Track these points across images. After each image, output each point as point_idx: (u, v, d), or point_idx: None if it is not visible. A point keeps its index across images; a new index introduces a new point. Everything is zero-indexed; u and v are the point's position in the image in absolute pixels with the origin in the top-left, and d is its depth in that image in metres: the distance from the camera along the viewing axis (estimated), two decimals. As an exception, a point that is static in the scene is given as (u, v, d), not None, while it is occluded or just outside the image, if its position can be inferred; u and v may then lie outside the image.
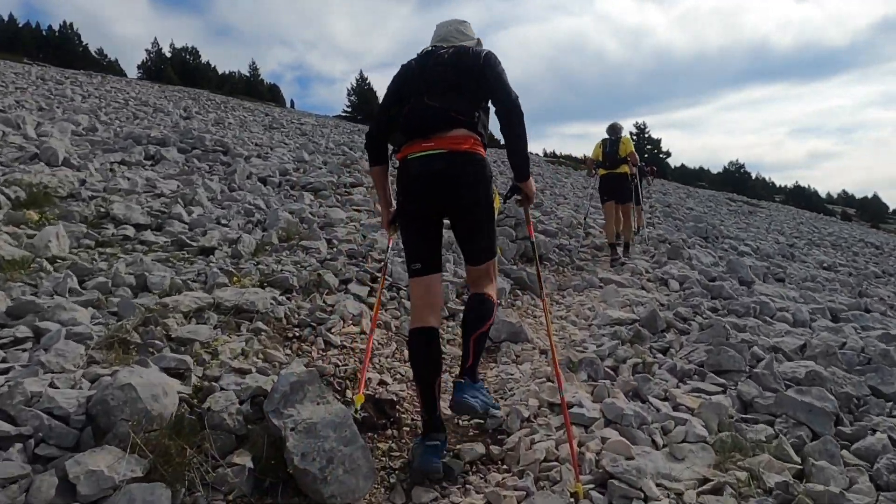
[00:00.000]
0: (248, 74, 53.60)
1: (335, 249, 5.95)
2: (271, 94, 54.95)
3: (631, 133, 54.16)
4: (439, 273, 2.84)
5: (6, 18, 54.02)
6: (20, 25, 54.02)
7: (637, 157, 9.38)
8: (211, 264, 4.56)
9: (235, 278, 4.17)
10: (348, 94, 49.93)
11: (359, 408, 2.76)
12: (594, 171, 9.83)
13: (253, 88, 51.17)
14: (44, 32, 53.22)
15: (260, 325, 3.63)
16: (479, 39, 3.08)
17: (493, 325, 3.08)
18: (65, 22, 49.97)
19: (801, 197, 61.14)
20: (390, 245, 3.52)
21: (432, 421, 2.62)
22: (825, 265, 15.99)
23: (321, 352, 3.68)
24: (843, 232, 27.31)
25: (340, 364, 3.56)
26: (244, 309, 3.71)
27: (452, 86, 2.69)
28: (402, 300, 5.06)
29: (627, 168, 9.16)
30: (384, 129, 2.90)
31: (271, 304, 3.91)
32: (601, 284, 7.66)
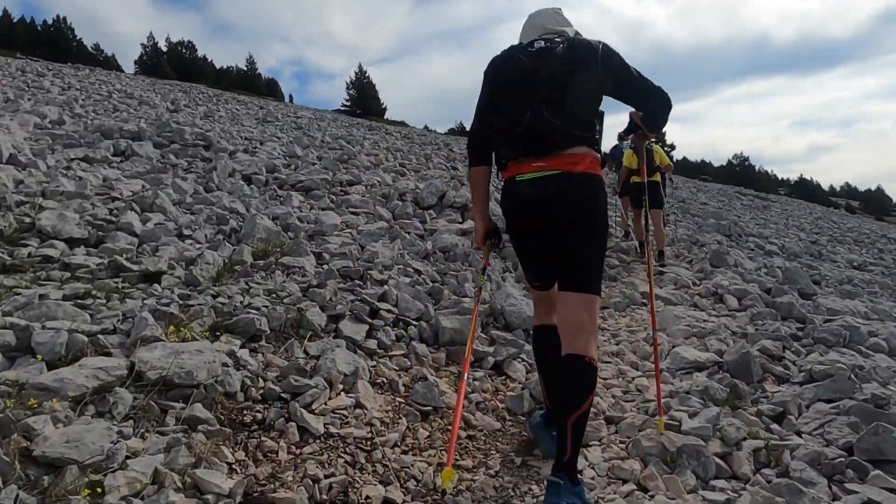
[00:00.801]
0: (244, 69, 52.04)
1: (325, 268, 4.63)
2: (269, 89, 53.45)
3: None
4: (554, 284, 2.61)
5: (0, 14, 52.51)
6: (14, 21, 52.49)
7: (672, 167, 9.25)
8: (146, 301, 3.22)
9: (174, 325, 2.84)
10: (347, 88, 48.53)
11: (448, 487, 2.26)
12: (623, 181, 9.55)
13: (250, 83, 49.64)
14: (39, 28, 51.72)
15: (198, 409, 2.32)
16: (576, 31, 2.63)
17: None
18: (58, 16, 48.43)
19: (806, 190, 59.76)
20: (486, 268, 3.00)
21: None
22: (855, 264, 14.85)
23: (294, 450, 2.37)
24: (862, 227, 25.99)
25: (323, 472, 2.25)
26: (176, 383, 2.40)
27: (573, 93, 2.33)
28: (412, 341, 3.75)
29: (660, 177, 8.70)
30: (488, 131, 2.55)
31: (222, 368, 2.60)
32: (644, 300, 6.38)
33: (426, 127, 54.43)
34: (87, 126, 9.88)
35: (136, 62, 51.47)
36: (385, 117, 50.48)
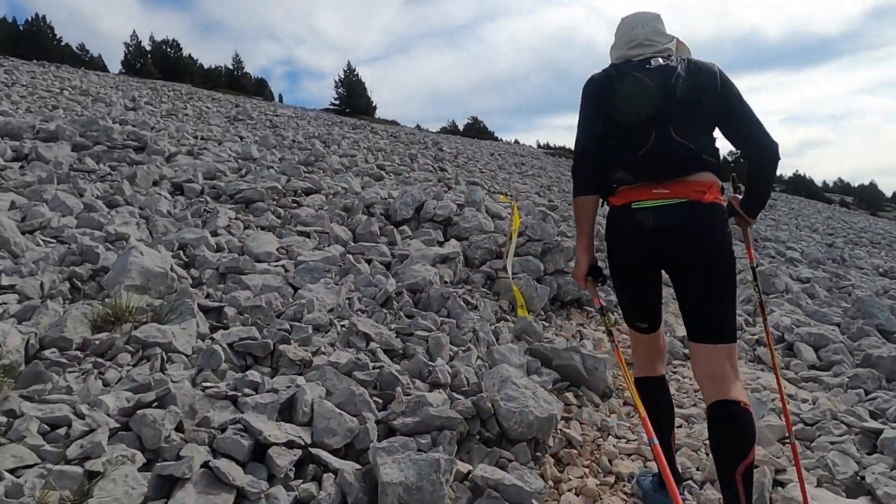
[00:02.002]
0: (231, 67, 49.89)
1: (209, 343, 2.85)
2: (257, 88, 51.36)
3: None
4: (662, 328, 2.40)
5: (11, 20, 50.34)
6: (-5, 20, 50.30)
7: None
8: None
9: None
10: (336, 87, 46.28)
11: None
12: None
13: (236, 82, 47.47)
14: (21, 27, 49.53)
15: None
16: (676, 39, 2.34)
17: None
18: (36, 14, 45.97)
19: (800, 186, 58.17)
20: (603, 308, 2.51)
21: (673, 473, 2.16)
22: (881, 270, 13.28)
23: None
24: (875, 227, 24.38)
25: None
26: None
27: (698, 116, 2.13)
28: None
29: None
30: (598, 154, 2.21)
31: None
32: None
33: (418, 126, 52.45)
34: (-7, 124, 8.02)
35: (122, 62, 49.38)
36: (376, 116, 48.52)
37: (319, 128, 18.56)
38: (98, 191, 6.05)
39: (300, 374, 2.79)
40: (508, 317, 4.52)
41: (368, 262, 5.02)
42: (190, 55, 49.83)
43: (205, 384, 2.46)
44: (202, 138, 11.23)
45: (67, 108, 12.22)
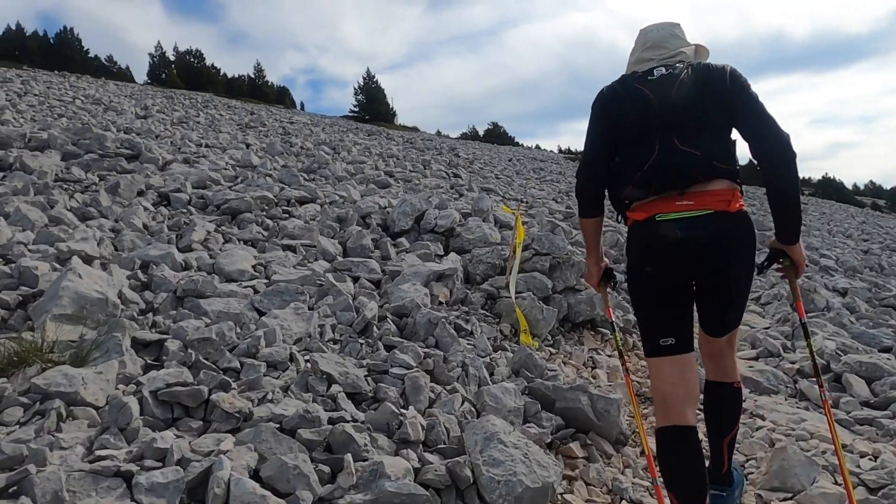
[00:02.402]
0: (252, 76, 50.07)
1: (125, 393, 2.34)
2: (278, 97, 51.53)
3: None
4: (693, 352, 2.16)
5: (14, 27, 51.50)
6: (28, 34, 51.41)
7: None
8: None
9: None
10: (355, 94, 46.00)
11: None
12: None
13: (258, 90, 47.61)
14: (51, 40, 50.52)
15: None
16: (696, 45, 2.30)
17: None
18: (64, 27, 47.01)
19: (830, 189, 56.22)
20: (611, 316, 2.74)
21: None
22: (924, 279, 12.28)
23: None
24: (912, 231, 23.12)
25: None
26: None
27: (705, 122, 2.03)
28: None
29: None
30: (602, 174, 2.19)
31: None
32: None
33: (438, 132, 52.05)
34: (-18, 133, 7.70)
35: (147, 73, 50.02)
36: (397, 122, 48.24)
37: (333, 134, 18.18)
38: (77, 202, 5.64)
39: (234, 432, 2.25)
40: (508, 345, 3.93)
41: (355, 279, 4.49)
42: (213, 65, 50.25)
43: (101, 451, 1.93)
44: (206, 146, 10.86)
45: (74, 116, 11.99)
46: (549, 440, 2.75)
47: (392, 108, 47.72)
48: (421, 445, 2.40)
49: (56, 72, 24.45)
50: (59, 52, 42.34)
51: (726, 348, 2.33)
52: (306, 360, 2.91)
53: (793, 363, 4.31)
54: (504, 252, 5.19)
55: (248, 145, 11.82)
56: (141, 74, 51.81)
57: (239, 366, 2.77)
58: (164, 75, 46.81)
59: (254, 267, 4.35)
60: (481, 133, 57.18)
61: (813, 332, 4.84)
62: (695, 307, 2.20)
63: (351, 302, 3.73)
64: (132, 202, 5.91)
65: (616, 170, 2.15)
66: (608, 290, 2.63)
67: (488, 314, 4.32)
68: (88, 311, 3.00)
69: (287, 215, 6.07)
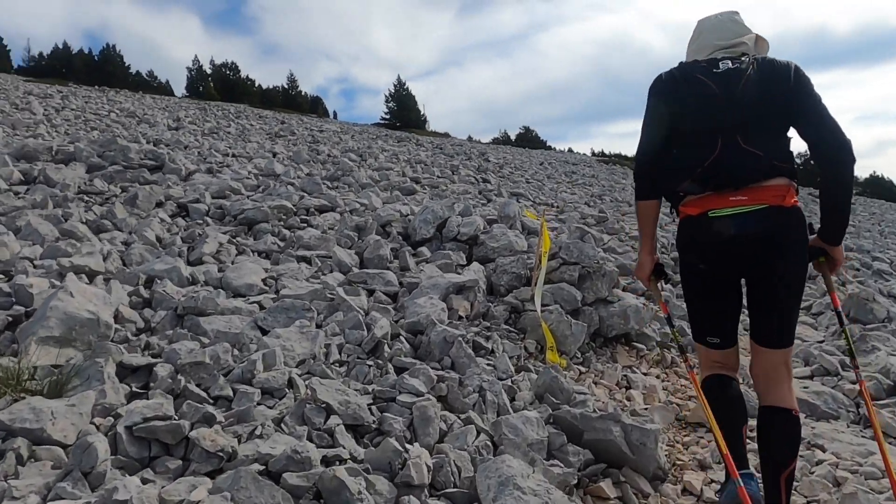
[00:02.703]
0: (286, 86, 50.77)
1: (96, 430, 2.10)
2: (312, 106, 52.11)
3: None
4: (737, 346, 2.27)
5: (61, 46, 53.55)
6: (73, 52, 53.36)
7: None
8: None
9: None
10: (386, 101, 46.16)
11: None
12: None
13: (292, 101, 48.20)
14: (95, 58, 52.29)
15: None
16: (756, 35, 2.19)
17: None
18: (107, 44, 48.61)
19: (880, 188, 53.75)
20: (665, 312, 2.49)
21: (741, 462, 2.05)
22: None
23: None
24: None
25: None
26: None
27: (768, 121, 2.00)
28: None
29: None
30: (661, 158, 2.15)
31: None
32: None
33: (469, 137, 51.76)
34: (10, 144, 7.75)
35: (185, 86, 51.27)
36: (428, 128, 48.21)
37: (361, 142, 18.08)
38: (94, 214, 5.53)
39: (215, 473, 1.99)
40: (532, 364, 3.59)
41: (370, 293, 4.22)
42: (248, 76, 51.16)
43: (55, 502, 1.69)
44: (233, 155, 10.83)
45: (106, 129, 12.14)
46: (575, 480, 2.41)
47: (423, 115, 47.73)
48: (426, 490, 2.09)
49: (96, 87, 25.12)
50: (103, 69, 43.70)
51: (782, 368, 2.13)
52: (307, 385, 2.64)
53: (854, 384, 3.85)
54: (531, 261, 4.86)
55: (274, 154, 11.76)
56: (180, 88, 53.11)
57: (231, 393, 2.52)
58: (201, 88, 47.87)
59: (263, 280, 4.12)
60: (513, 137, 56.74)
61: (875, 348, 4.36)
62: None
63: (362, 319, 3.45)
64: (149, 214, 5.79)
65: (673, 162, 2.11)
66: (659, 285, 2.50)
67: (512, 329, 3.99)
68: (78, 333, 2.80)
69: (305, 225, 5.86)
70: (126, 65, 48.34)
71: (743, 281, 2.21)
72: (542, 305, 4.11)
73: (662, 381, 4.13)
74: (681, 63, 2.20)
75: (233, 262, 4.50)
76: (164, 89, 50.71)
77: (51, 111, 14.00)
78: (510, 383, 3.12)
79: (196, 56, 52.59)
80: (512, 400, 2.96)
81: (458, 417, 2.65)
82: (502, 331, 3.88)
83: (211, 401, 2.46)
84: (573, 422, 2.74)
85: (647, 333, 4.58)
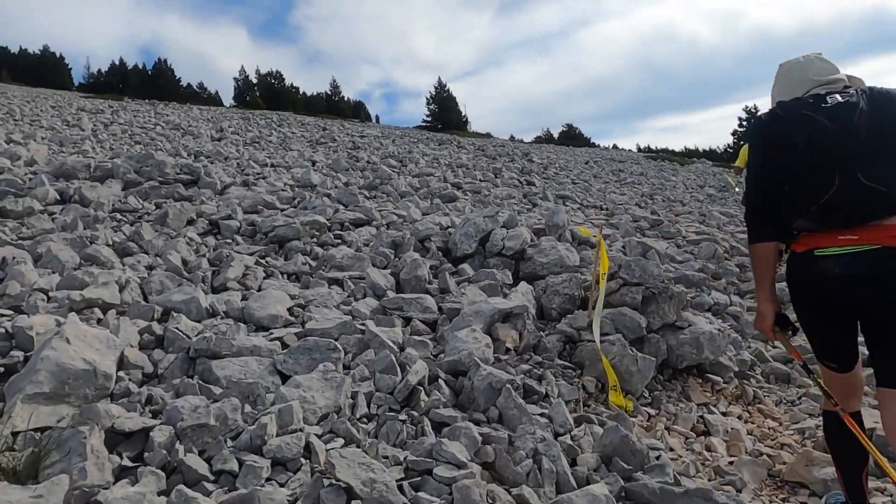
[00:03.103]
0: (328, 92, 51.20)
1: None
2: (354, 111, 52.43)
3: (741, 118, 45.57)
4: (858, 368, 2.15)
5: (117, 63, 55.70)
6: (129, 68, 55.40)
7: None
8: None
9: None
10: (427, 104, 45.75)
11: None
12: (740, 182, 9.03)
13: (335, 106, 48.57)
14: (149, 72, 54.12)
15: None
16: (847, 76, 2.13)
17: None
18: (158, 59, 50.43)
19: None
20: (800, 360, 2.32)
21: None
22: None
23: None
24: None
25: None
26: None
27: (890, 152, 1.88)
28: None
29: None
30: (775, 198, 2.04)
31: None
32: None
33: (511, 137, 51.00)
34: (51, 163, 7.68)
35: (233, 97, 52.44)
36: (469, 129, 47.71)
37: (402, 146, 17.75)
38: (124, 234, 5.30)
39: None
40: (594, 411, 3.05)
41: (407, 321, 3.77)
42: (292, 84, 51.90)
43: None
44: (272, 165, 10.62)
45: (150, 143, 12.15)
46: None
47: (464, 116, 47.27)
48: None
49: (147, 101, 25.71)
50: (156, 83, 45.12)
51: None
52: (327, 452, 2.20)
53: None
54: (585, 278, 4.31)
55: (314, 163, 11.51)
56: (228, 98, 54.34)
57: (237, 466, 2.10)
58: (248, 98, 48.81)
59: (290, 310, 3.73)
60: (556, 135, 55.66)
61: None
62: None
63: (395, 359, 2.99)
64: (179, 232, 5.51)
65: (786, 200, 2.00)
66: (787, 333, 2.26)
67: (567, 364, 3.46)
68: (71, 387, 2.44)
69: (339, 241, 5.47)
70: (177, 78, 49.71)
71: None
72: (602, 334, 3.57)
73: (745, 421, 3.52)
74: (780, 102, 2.12)
75: (259, 289, 4.14)
76: (214, 100, 52.00)
77: (99, 126, 14.20)
78: (569, 440, 2.60)
79: (242, 66, 53.55)
80: (573, 464, 2.44)
81: (510, 494, 2.15)
82: (556, 367, 3.35)
83: (211, 476, 2.05)
84: (652, 499, 2.20)
85: (723, 363, 3.96)
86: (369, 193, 8.11)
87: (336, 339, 3.21)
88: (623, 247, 6.04)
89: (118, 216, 6.10)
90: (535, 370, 3.23)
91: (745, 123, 44.58)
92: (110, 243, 4.92)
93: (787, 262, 2.15)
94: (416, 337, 3.49)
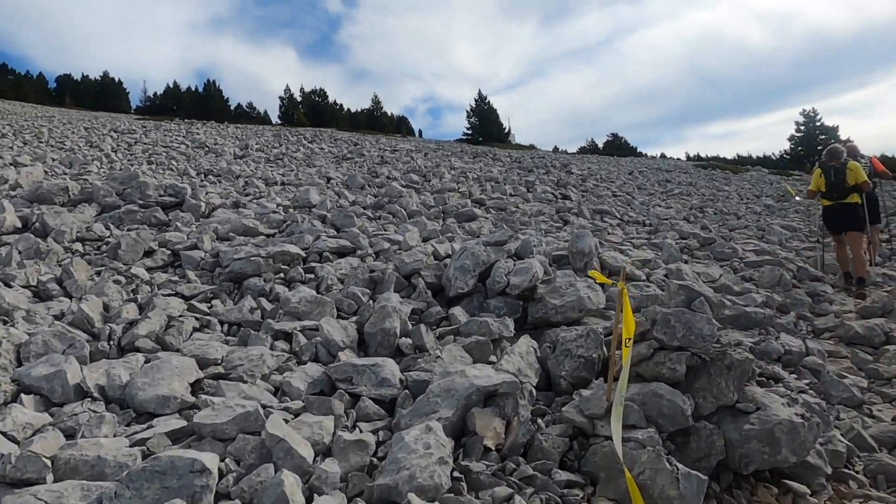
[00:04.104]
0: (370, 108, 51.02)
1: None
2: (397, 126, 52.10)
3: (798, 123, 42.18)
4: None
5: (171, 85, 57.38)
6: (182, 90, 56.96)
7: (871, 184, 7.02)
8: None
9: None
10: (468, 117, 44.81)
11: None
12: (815, 203, 8.19)
13: (376, 121, 48.36)
14: (200, 93, 55.50)
15: None
16: None
17: None
18: (208, 80, 51.55)
19: None
20: None
21: None
22: None
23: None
24: None
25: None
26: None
27: None
28: None
29: (858, 198, 6.75)
30: None
31: None
32: None
33: (555, 148, 49.51)
34: (31, 187, 7.02)
35: (279, 115, 53.12)
36: (513, 141, 46.48)
37: (432, 160, 16.77)
38: (52, 274, 4.43)
39: None
40: None
41: (355, 399, 2.70)
42: (335, 101, 52.04)
43: None
44: (283, 184, 9.80)
45: (163, 162, 11.57)
46: None
47: (506, 128, 46.11)
48: None
49: (185, 120, 25.77)
50: (205, 104, 46.01)
51: None
52: None
53: None
54: (610, 331, 3.13)
55: (328, 179, 10.65)
56: (276, 117, 55.14)
57: None
58: (295, 116, 49.26)
59: (194, 385, 2.71)
60: (601, 145, 53.77)
61: None
62: None
63: (294, 485, 1.92)
64: (136, 263, 4.64)
65: None
66: None
67: (573, 479, 2.29)
68: None
69: (311, 275, 4.46)
70: (225, 98, 50.65)
71: None
72: (626, 427, 2.39)
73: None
74: None
75: (181, 344, 3.15)
76: (262, 119, 52.77)
77: (122, 146, 13.83)
78: None
79: (287, 85, 54.32)
80: None
81: None
82: (554, 489, 2.19)
83: None
84: None
85: (809, 462, 2.69)
86: (374, 213, 7.12)
87: (228, 442, 2.17)
88: (663, 284, 4.78)
89: (76, 246, 5.31)
90: (521, 492, 2.09)
91: (802, 128, 41.56)
92: (33, 283, 4.06)
93: None
94: (364, 415, 2.41)
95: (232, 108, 51.65)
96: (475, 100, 45.43)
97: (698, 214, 12.45)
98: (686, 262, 6.25)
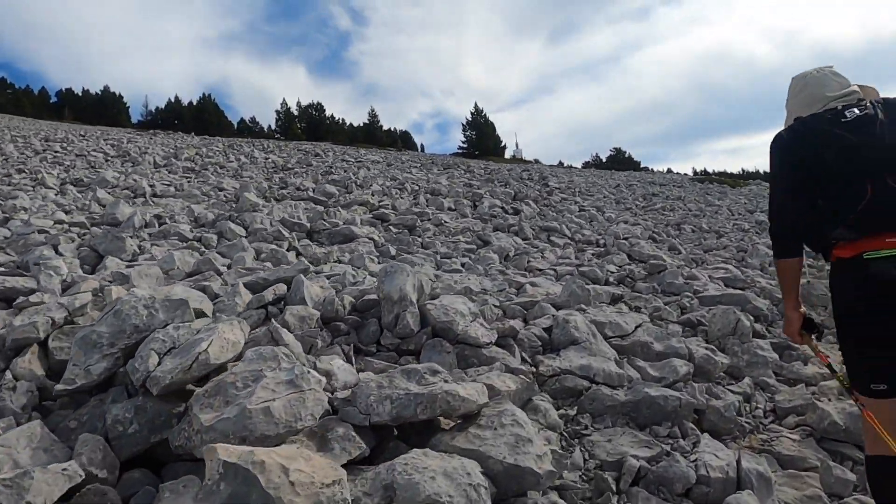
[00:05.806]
0: (366, 122, 49.65)
1: None
2: (395, 140, 50.79)
3: None
4: None
5: (172, 100, 56.81)
6: (183, 105, 56.27)
7: None
8: None
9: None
10: (463, 130, 43.13)
11: None
12: None
13: (372, 136, 46.97)
14: (197, 107, 54.66)
15: None
16: (859, 86, 2.18)
17: None
18: (204, 94, 50.82)
19: None
20: (825, 361, 2.16)
21: None
22: None
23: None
24: None
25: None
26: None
27: None
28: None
29: None
30: (800, 215, 2.07)
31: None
32: None
33: (560, 163, 47.71)
34: None
35: (275, 128, 52.15)
36: (511, 155, 44.69)
37: (386, 171, 14.95)
38: None
39: None
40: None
41: None
42: (332, 115, 50.88)
43: None
44: (154, 195, 8.01)
45: (75, 168, 9.89)
46: None
47: (503, 142, 44.32)
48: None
49: (170, 132, 24.44)
50: (200, 118, 44.99)
51: None
52: None
53: None
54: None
55: (220, 189, 8.85)
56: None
57: None
58: (299, 129, 48.22)
59: None
60: (605, 160, 51.87)
61: None
62: None
63: None
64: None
65: (819, 214, 2.00)
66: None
67: None
68: None
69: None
70: (222, 111, 49.73)
71: None
72: None
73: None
74: (798, 118, 2.12)
75: None
76: (265, 134, 51.83)
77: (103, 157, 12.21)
78: None
79: (284, 99, 53.28)
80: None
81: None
82: None
83: None
84: None
85: None
86: (193, 233, 5.25)
87: None
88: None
89: None
90: None
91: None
92: None
93: (831, 269, 2.05)
94: None
95: (234, 122, 50.83)
96: (472, 113, 43.88)
97: (672, 232, 10.44)
98: (587, 305, 4.27)
